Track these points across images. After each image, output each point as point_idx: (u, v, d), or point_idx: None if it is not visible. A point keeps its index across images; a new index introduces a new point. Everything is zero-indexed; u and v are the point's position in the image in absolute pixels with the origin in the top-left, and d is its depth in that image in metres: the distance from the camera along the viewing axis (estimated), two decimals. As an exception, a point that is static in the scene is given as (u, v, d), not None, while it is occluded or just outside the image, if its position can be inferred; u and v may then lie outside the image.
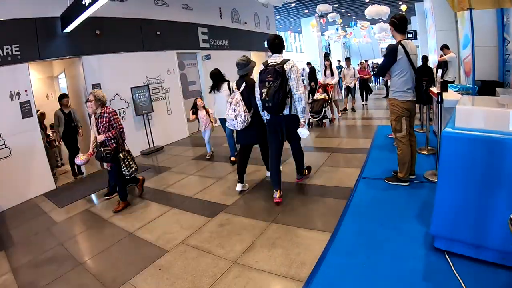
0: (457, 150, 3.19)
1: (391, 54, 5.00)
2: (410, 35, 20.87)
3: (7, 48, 7.21)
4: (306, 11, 27.80)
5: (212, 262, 3.89)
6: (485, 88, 7.68)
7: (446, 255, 3.38)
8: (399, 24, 5.07)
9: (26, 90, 7.48)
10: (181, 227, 4.93)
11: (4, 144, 7.05)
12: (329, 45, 38.41)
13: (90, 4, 6.44)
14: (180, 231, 4.80)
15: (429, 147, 6.84)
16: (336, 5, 25.69)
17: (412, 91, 5.13)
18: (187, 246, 4.36)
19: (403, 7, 25.12)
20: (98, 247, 4.77)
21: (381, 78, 17.57)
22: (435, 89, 6.41)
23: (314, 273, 3.41)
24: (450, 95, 6.32)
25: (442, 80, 6.18)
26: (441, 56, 10.91)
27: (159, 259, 4.10)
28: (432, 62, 14.33)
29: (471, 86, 8.07)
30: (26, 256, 4.70)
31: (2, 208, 6.84)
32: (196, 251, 4.19)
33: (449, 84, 8.49)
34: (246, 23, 16.85)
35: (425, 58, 10.47)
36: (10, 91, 7.23)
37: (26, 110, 7.37)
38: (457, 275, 3.07)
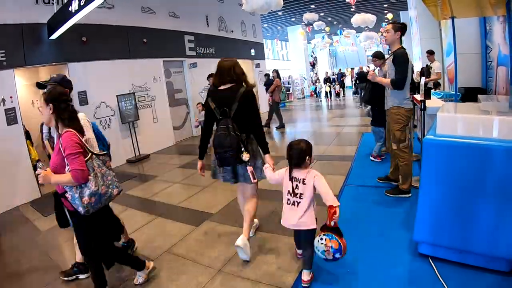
0: (438, 156, 3.26)
1: (407, 59, 4.84)
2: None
3: (-8, 54, 7.19)
4: (293, 19, 27.99)
5: (197, 271, 3.91)
6: (468, 95, 7.81)
7: (430, 260, 3.43)
8: (404, 32, 4.99)
9: (11, 97, 7.43)
10: (166, 236, 4.94)
11: (-12, 151, 7.01)
12: (314, 57, 38.47)
13: (77, 11, 6.43)
14: (165, 240, 4.80)
15: (413, 154, 6.94)
16: (322, 14, 25.90)
17: (410, 99, 5.10)
18: (172, 255, 4.37)
19: (389, 16, 25.42)
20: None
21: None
22: (418, 96, 6.48)
23: (299, 281, 3.43)
24: (433, 102, 6.44)
25: (426, 87, 6.25)
26: (426, 67, 10.97)
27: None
28: (417, 70, 14.52)
29: (451, 93, 8.21)
30: (11, 265, 4.68)
31: (-14, 216, 6.76)
32: (181, 260, 4.20)
33: (432, 91, 8.62)
34: (232, 31, 16.96)
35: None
36: (-5, 98, 7.19)
37: (11, 117, 7.32)
38: (441, 279, 3.12)
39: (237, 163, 3.80)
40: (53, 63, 8.70)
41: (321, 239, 3.17)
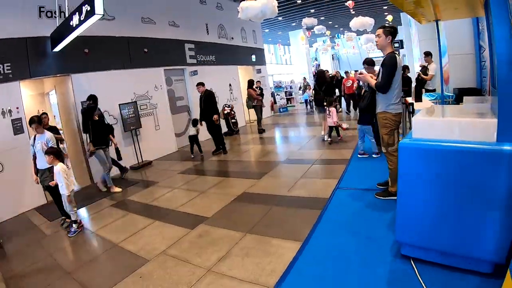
0: (412, 160, 3.36)
1: (393, 64, 4.79)
2: (396, 45, 21.18)
3: (-2, 67, 7.51)
4: (294, 24, 28.10)
5: (188, 270, 4.15)
6: (463, 96, 7.93)
7: (411, 262, 3.51)
8: (395, 35, 4.96)
9: (17, 108, 7.74)
10: (162, 238, 5.19)
11: (-4, 160, 7.33)
12: (317, 63, 38.42)
13: (78, 25, 6.67)
14: (162, 242, 5.05)
15: None
16: (322, 18, 26.06)
17: (402, 102, 5.12)
18: (167, 256, 4.62)
19: (389, 18, 25.49)
20: (84, 257, 5.06)
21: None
22: (410, 99, 6.59)
23: (282, 281, 3.62)
24: (424, 104, 6.46)
25: (417, 89, 6.35)
26: (423, 67, 10.95)
27: (140, 268, 4.37)
28: (413, 72, 14.58)
29: (448, 94, 8.36)
30: (17, 266, 4.94)
31: (-5, 222, 7.04)
32: (175, 261, 4.44)
33: (427, 93, 8.76)
34: (233, 38, 17.14)
35: (407, 68, 10.68)
36: (2, 109, 7.48)
37: (17, 127, 7.63)
38: (421, 281, 3.19)
39: None
40: (57, 75, 9.00)
41: None
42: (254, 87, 14.56)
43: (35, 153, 6.30)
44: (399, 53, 5.16)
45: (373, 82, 5.16)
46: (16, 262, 5.19)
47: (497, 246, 2.94)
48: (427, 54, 10.60)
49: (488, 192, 2.94)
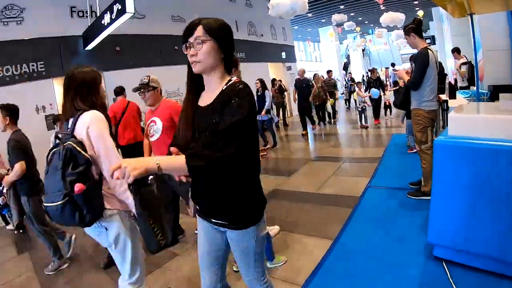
0: (450, 158, 3.22)
1: (424, 60, 4.66)
2: (428, 41, 20.71)
3: (33, 65, 7.73)
4: (323, 20, 27.85)
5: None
6: (498, 93, 7.64)
7: (444, 264, 3.37)
8: (419, 28, 4.86)
9: (51, 104, 7.97)
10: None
11: (31, 155, 7.47)
12: (348, 56, 37.95)
13: (109, 24, 6.82)
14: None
15: None
16: (352, 14, 25.79)
17: (436, 99, 4.95)
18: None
19: (420, 13, 25.03)
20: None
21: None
22: (443, 96, 6.44)
23: (311, 279, 3.53)
24: (458, 102, 6.27)
25: (452, 86, 6.18)
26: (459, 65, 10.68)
27: (171, 261, 4.39)
28: (449, 68, 14.26)
29: (482, 91, 8.12)
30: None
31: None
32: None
33: (461, 90, 8.54)
34: (262, 35, 17.15)
35: (439, 65, 10.45)
36: (36, 105, 7.72)
37: (50, 122, 7.82)
38: (453, 284, 3.06)
39: None
40: (89, 72, 9.11)
41: None
42: (276, 85, 14.83)
43: None
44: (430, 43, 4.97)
45: (406, 78, 5.08)
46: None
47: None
48: (454, 51, 10.39)
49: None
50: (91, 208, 2.39)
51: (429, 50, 4.71)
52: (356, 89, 13.26)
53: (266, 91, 10.41)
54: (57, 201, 2.31)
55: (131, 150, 7.10)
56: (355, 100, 14.19)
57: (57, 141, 2.65)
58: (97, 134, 2.52)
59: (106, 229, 2.57)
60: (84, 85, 2.68)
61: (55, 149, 2.52)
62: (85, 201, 2.34)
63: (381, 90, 12.21)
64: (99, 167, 2.53)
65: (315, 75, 13.10)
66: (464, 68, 9.92)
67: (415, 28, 4.83)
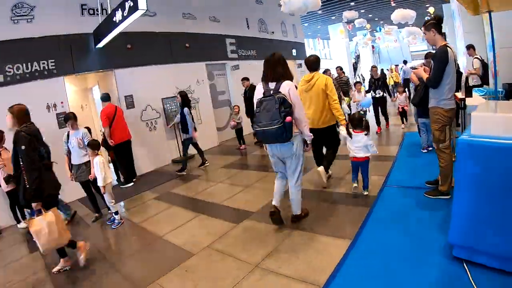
0: (473, 157, 3.13)
1: (444, 58, 4.54)
2: (441, 38, 20.53)
3: (43, 63, 7.67)
4: (333, 17, 27.79)
5: (235, 265, 4.06)
6: None
7: (464, 265, 3.30)
8: (440, 24, 4.72)
9: (62, 102, 7.92)
10: (207, 232, 5.13)
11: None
12: (358, 56, 37.76)
13: (120, 21, 6.73)
14: (206, 236, 4.99)
15: (454, 154, 6.76)
16: (363, 11, 25.66)
17: (454, 98, 4.84)
18: (212, 250, 4.55)
19: (431, 10, 24.84)
20: (128, 249, 5.10)
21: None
22: (459, 94, 6.33)
23: (331, 279, 3.48)
24: (475, 100, 6.17)
25: (467, 85, 6.07)
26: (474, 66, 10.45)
27: (185, 262, 4.32)
28: (462, 65, 14.07)
29: (498, 90, 7.99)
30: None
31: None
32: (220, 255, 4.37)
33: (475, 88, 8.41)
34: (273, 32, 17.06)
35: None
36: (47, 103, 7.68)
37: (62, 120, 7.69)
38: (474, 285, 3.00)
39: None
40: (101, 70, 9.16)
41: None
42: None
43: (69, 149, 6.41)
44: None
45: (425, 76, 4.92)
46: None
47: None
48: (469, 48, 10.23)
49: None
50: (290, 131, 4.25)
51: (448, 48, 4.59)
52: (353, 89, 11.91)
53: (185, 108, 9.20)
54: (275, 126, 4.18)
55: (122, 147, 8.62)
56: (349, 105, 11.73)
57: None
58: (294, 93, 4.39)
59: (292, 144, 4.50)
60: (282, 62, 4.59)
61: (266, 98, 4.34)
62: (288, 127, 4.19)
63: (385, 92, 10.59)
64: (293, 110, 4.33)
65: (325, 71, 11.30)
66: (477, 64, 9.70)
67: (435, 24, 4.71)
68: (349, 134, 5.63)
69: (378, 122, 10.85)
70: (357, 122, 5.59)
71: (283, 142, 4.39)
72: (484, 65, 9.76)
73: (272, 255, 4.17)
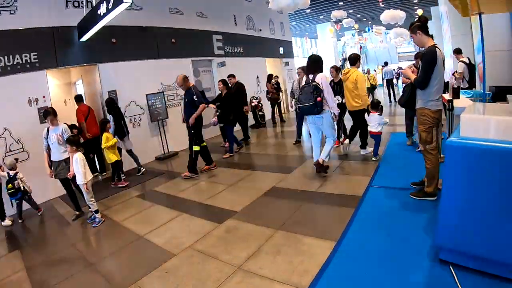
0: (462, 160, 3.14)
1: (432, 58, 4.54)
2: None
3: (25, 56, 7.48)
4: (322, 17, 27.84)
5: (217, 267, 3.98)
6: (500, 94, 7.56)
7: (451, 267, 3.31)
8: (425, 25, 4.74)
9: (44, 96, 7.74)
10: (189, 232, 5.05)
11: (22, 147, 7.36)
12: (344, 59, 37.82)
13: (105, 14, 6.62)
14: (188, 236, 4.91)
15: (441, 155, 6.78)
16: (351, 11, 25.73)
17: (441, 99, 4.87)
18: (193, 250, 4.47)
19: (419, 11, 24.99)
20: (108, 249, 4.97)
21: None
22: (446, 96, 6.35)
23: (316, 282, 3.44)
24: (462, 102, 6.22)
25: (456, 87, 6.14)
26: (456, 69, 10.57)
27: (166, 263, 4.23)
28: (448, 67, 14.12)
29: (485, 92, 8.03)
30: (40, 255, 4.89)
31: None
32: (202, 256, 4.29)
33: (462, 90, 8.46)
34: (261, 30, 17.03)
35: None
36: (29, 97, 7.49)
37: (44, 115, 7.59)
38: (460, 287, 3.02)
39: None
40: (84, 64, 8.97)
41: None
42: (272, 81, 14.51)
43: (48, 145, 6.26)
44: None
45: (413, 77, 4.97)
46: (38, 251, 5.16)
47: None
48: (458, 52, 10.31)
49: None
50: (320, 107, 6.25)
51: (437, 49, 4.60)
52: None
53: (110, 115, 8.79)
54: (309, 103, 6.27)
55: (93, 142, 8.97)
56: None
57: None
58: (324, 83, 6.34)
59: (322, 117, 6.47)
60: (318, 61, 6.71)
61: (306, 85, 6.39)
62: (318, 104, 6.21)
63: (342, 98, 8.56)
64: (324, 95, 6.27)
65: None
66: (461, 69, 9.77)
67: (421, 26, 4.73)
68: (368, 113, 7.58)
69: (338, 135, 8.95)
70: (373, 105, 7.45)
71: (315, 115, 6.52)
72: (471, 68, 9.84)
73: (255, 256, 4.12)
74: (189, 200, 6.56)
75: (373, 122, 7.38)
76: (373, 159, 7.41)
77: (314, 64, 6.66)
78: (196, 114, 7.90)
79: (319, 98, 6.25)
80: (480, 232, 3.08)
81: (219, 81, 10.58)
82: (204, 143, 8.29)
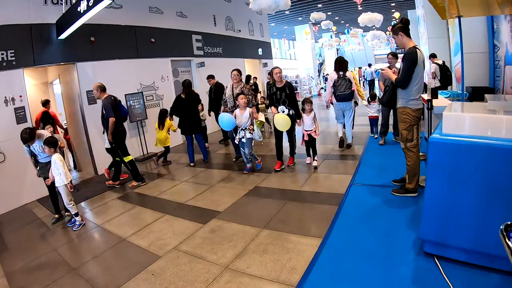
0: (444, 156, 3.24)
1: (413, 59, 4.67)
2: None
3: (2, 54, 7.27)
4: (300, 18, 27.91)
5: (204, 267, 3.94)
6: (476, 94, 7.75)
7: (435, 260, 3.43)
8: (407, 27, 4.83)
9: (20, 96, 7.53)
10: (173, 233, 4.99)
11: (-2, 149, 7.13)
12: (321, 63, 38.04)
13: (85, 11, 6.51)
14: (173, 237, 4.85)
15: (420, 153, 6.91)
16: (329, 13, 25.84)
17: (421, 99, 5.00)
18: (179, 252, 4.41)
19: (396, 15, 25.30)
20: (91, 253, 4.83)
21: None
22: (425, 96, 6.46)
23: (304, 279, 3.46)
24: (440, 101, 6.47)
25: (434, 87, 6.26)
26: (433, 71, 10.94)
27: (151, 265, 4.15)
28: (426, 69, 14.35)
29: (459, 92, 8.18)
30: (20, 261, 4.73)
31: (-4, 213, 6.83)
32: (188, 257, 4.24)
33: (440, 91, 8.63)
34: (240, 30, 17.00)
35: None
36: (5, 97, 7.27)
37: (20, 115, 7.41)
38: (446, 279, 3.12)
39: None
40: (62, 63, 8.78)
41: None
42: (250, 82, 14.28)
43: (31, 152, 6.02)
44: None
45: (394, 77, 5.10)
46: (18, 256, 4.98)
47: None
48: (433, 56, 10.94)
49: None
50: (352, 95, 8.30)
51: (417, 50, 4.72)
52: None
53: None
54: (347, 92, 8.16)
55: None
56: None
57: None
58: (352, 77, 8.27)
59: (350, 102, 8.40)
60: (345, 61, 8.46)
61: (340, 79, 8.11)
62: (352, 93, 8.26)
63: (292, 109, 7.16)
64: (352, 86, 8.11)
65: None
66: (433, 69, 10.57)
67: (402, 27, 4.84)
68: (369, 102, 9.47)
69: (291, 151, 7.93)
70: (372, 97, 9.53)
71: (347, 101, 8.31)
72: (442, 69, 10.45)
73: (241, 256, 4.11)
74: (171, 201, 6.47)
75: (373, 109, 9.49)
76: (375, 136, 9.49)
77: (344, 64, 8.30)
78: (110, 130, 7.19)
79: (353, 88, 8.18)
80: (463, 225, 3.20)
81: (207, 77, 10.74)
82: (130, 157, 7.74)
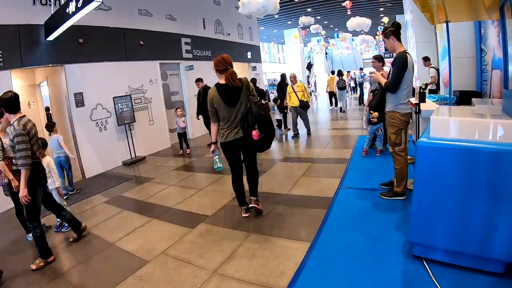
0: (432, 159, 3.28)
1: (403, 63, 4.69)
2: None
3: (-11, 55, 7.19)
4: (289, 22, 28.00)
5: (192, 272, 3.91)
6: (463, 98, 7.81)
7: (424, 262, 3.45)
8: (398, 31, 4.86)
9: (8, 98, 7.43)
10: (161, 238, 4.95)
11: (-16, 152, 7.01)
12: (311, 65, 38.17)
13: (74, 13, 6.46)
14: (161, 242, 4.81)
15: (408, 156, 6.96)
16: (319, 17, 25.96)
17: (409, 103, 5.03)
18: (167, 256, 4.38)
19: (385, 19, 25.45)
20: (78, 258, 4.77)
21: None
22: (413, 100, 6.52)
23: (293, 283, 3.45)
24: (428, 105, 6.53)
25: (421, 91, 6.30)
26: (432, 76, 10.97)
27: (139, 270, 4.11)
28: (415, 73, 14.46)
29: (446, 96, 8.24)
30: (6, 266, 4.63)
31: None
32: (176, 262, 4.21)
33: (428, 95, 8.70)
34: (229, 34, 16.99)
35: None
36: (-9, 99, 7.18)
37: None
38: (435, 281, 3.13)
39: None
40: (50, 65, 8.69)
41: None
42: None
43: None
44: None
45: (383, 81, 5.09)
46: (3, 262, 4.87)
47: (509, 247, 2.97)
48: (426, 59, 10.84)
49: (505, 193, 2.94)
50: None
51: (407, 54, 4.76)
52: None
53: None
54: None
55: None
56: None
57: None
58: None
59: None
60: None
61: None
62: None
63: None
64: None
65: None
66: (433, 73, 10.43)
67: (394, 31, 4.86)
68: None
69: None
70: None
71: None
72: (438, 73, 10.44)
73: (230, 260, 4.08)
74: (159, 205, 6.42)
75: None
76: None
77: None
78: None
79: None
80: (451, 227, 3.24)
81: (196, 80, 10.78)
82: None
